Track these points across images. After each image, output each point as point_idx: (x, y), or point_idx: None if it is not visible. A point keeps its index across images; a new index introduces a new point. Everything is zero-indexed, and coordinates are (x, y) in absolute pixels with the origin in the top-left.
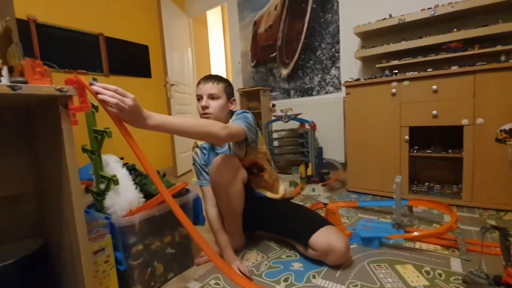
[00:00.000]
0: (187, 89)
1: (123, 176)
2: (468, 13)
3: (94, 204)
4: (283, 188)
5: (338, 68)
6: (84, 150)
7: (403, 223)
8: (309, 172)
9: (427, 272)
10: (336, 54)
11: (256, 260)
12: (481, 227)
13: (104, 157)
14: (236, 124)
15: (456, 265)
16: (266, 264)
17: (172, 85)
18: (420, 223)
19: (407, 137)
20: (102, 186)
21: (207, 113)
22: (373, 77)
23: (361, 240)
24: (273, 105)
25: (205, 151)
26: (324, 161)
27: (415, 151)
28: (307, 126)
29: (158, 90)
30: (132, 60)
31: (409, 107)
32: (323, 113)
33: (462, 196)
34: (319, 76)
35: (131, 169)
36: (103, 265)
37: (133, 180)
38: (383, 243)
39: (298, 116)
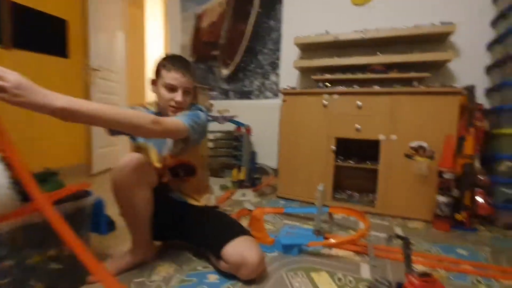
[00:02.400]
0: (114, 77)
1: None
2: (391, 40)
3: None
4: (211, 198)
5: (278, 75)
6: None
7: (323, 229)
8: (241, 176)
9: (339, 279)
10: (277, 61)
11: (167, 273)
12: (388, 236)
13: None
14: (179, 120)
15: (365, 271)
16: (178, 277)
17: (95, 69)
18: (338, 229)
19: (333, 147)
20: None
21: (178, 108)
22: (308, 87)
23: (282, 248)
24: (211, 105)
25: None
26: (257, 165)
27: (339, 161)
28: (242, 129)
29: (76, 74)
30: (45, 34)
31: (337, 119)
32: (260, 117)
33: (376, 204)
34: (259, 80)
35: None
36: None
37: (10, 178)
38: (303, 249)
39: (235, 119)
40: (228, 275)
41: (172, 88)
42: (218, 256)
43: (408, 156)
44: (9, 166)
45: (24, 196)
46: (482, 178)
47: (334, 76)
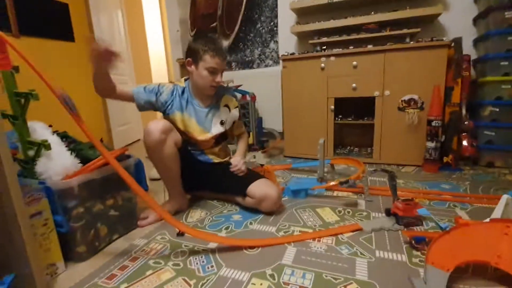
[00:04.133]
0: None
1: (55, 142)
2: None
3: (22, 173)
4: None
5: (277, 42)
6: (3, 115)
7: (326, 177)
8: (250, 141)
9: (339, 211)
10: (275, 28)
11: (200, 216)
12: (373, 170)
13: (29, 123)
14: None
15: (361, 204)
16: (209, 219)
17: None
18: (340, 177)
19: (332, 107)
20: (31, 152)
21: (217, 87)
22: (306, 52)
23: (291, 193)
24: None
25: (179, 96)
26: (264, 130)
27: (339, 120)
28: (248, 97)
29: (84, 56)
30: (49, 19)
31: (334, 80)
32: (263, 85)
33: (373, 156)
34: (259, 49)
35: (63, 136)
36: (41, 228)
37: (66, 146)
38: (309, 194)
39: (239, 88)
40: (248, 214)
41: (213, 71)
42: (244, 195)
43: (400, 109)
44: (62, 138)
45: (81, 160)
46: (467, 123)
47: (330, 38)
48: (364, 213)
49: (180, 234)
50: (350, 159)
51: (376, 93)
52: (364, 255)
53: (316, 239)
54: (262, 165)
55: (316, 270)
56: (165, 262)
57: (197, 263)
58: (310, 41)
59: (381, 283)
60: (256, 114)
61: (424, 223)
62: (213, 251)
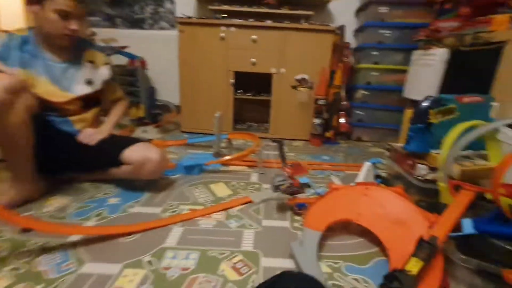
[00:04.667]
0: None
1: None
2: None
3: None
4: None
5: (173, 2)
6: None
7: (222, 152)
8: (140, 113)
9: (233, 185)
10: None
11: (62, 203)
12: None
13: None
14: None
15: (254, 177)
16: (74, 205)
17: None
18: (237, 152)
19: (232, 80)
20: None
21: (73, 37)
22: (205, 17)
23: (184, 170)
24: (93, 34)
25: (17, 48)
26: (158, 102)
27: (239, 94)
28: (136, 62)
29: None
30: None
31: (235, 53)
32: (157, 51)
33: (269, 131)
34: (151, 7)
35: None
36: None
37: None
38: (204, 169)
39: (125, 50)
40: (129, 195)
41: (65, 15)
42: (118, 164)
43: (294, 87)
44: None
45: None
46: (345, 103)
47: (232, 7)
48: (256, 186)
49: (27, 230)
50: (246, 133)
51: (273, 70)
52: (252, 226)
53: (206, 215)
54: (149, 140)
55: (202, 248)
56: (0, 267)
57: (48, 264)
58: (210, 7)
59: (265, 251)
60: (147, 83)
61: (306, 191)
62: (73, 245)
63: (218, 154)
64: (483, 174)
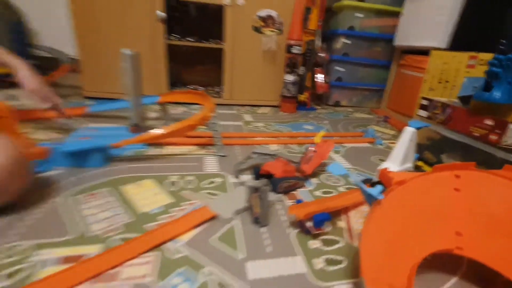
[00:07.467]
0: None
1: None
2: None
3: None
4: None
5: None
6: None
7: (146, 124)
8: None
9: (172, 184)
10: None
11: None
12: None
13: None
14: None
15: (211, 164)
16: None
17: None
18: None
19: (161, 13)
20: None
21: None
22: None
23: (69, 159)
24: None
25: None
26: (38, 50)
27: (174, 40)
28: None
29: None
30: None
31: None
32: None
33: (223, 95)
34: None
35: None
36: None
37: None
38: (111, 156)
39: None
40: None
41: None
42: None
43: (256, 29)
44: None
45: None
46: (323, 55)
47: None
48: (218, 179)
49: None
50: (188, 92)
51: (226, 0)
52: (224, 287)
53: (102, 273)
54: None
55: None
56: None
57: None
58: None
59: None
60: (11, 13)
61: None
62: None
63: (137, 128)
64: None
